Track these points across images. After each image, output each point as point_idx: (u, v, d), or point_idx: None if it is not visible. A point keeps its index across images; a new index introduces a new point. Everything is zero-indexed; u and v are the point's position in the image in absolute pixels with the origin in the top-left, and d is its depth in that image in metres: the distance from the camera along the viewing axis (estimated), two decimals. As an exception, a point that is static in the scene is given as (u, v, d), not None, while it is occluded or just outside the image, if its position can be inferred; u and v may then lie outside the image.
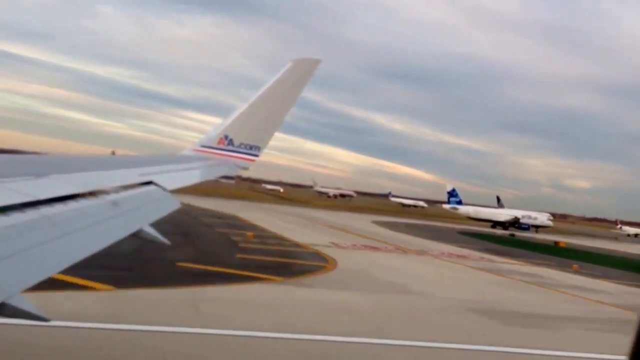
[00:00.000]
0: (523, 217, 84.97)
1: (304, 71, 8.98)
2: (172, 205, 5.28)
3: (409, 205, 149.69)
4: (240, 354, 10.92)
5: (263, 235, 32.70)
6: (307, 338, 12.11)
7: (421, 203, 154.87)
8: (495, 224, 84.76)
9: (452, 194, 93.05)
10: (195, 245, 26.04)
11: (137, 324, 11.59)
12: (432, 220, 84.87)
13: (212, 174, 8.24)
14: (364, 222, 59.43)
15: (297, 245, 29.88)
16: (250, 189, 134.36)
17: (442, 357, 12.60)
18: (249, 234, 31.49)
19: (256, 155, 8.97)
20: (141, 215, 4.48)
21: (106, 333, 11.05)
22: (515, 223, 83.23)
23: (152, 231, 4.37)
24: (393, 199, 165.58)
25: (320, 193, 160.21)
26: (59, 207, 3.45)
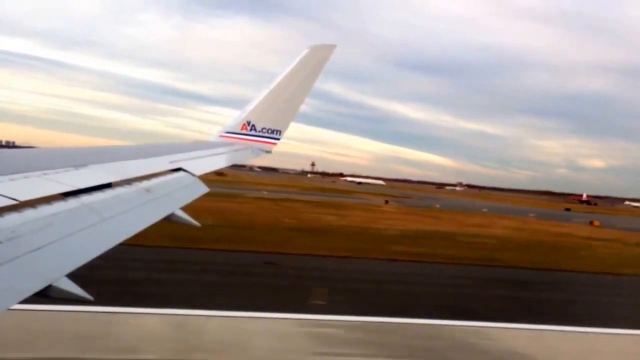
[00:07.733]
0: None
1: (320, 56, 9.11)
2: (201, 189, 5.50)
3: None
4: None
5: None
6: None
7: None
8: None
9: None
10: None
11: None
12: None
13: (238, 159, 8.46)
14: None
15: None
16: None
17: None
18: None
19: (277, 139, 9.17)
20: (172, 200, 4.72)
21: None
22: None
23: (183, 215, 4.60)
24: None
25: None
26: (97, 195, 3.68)
